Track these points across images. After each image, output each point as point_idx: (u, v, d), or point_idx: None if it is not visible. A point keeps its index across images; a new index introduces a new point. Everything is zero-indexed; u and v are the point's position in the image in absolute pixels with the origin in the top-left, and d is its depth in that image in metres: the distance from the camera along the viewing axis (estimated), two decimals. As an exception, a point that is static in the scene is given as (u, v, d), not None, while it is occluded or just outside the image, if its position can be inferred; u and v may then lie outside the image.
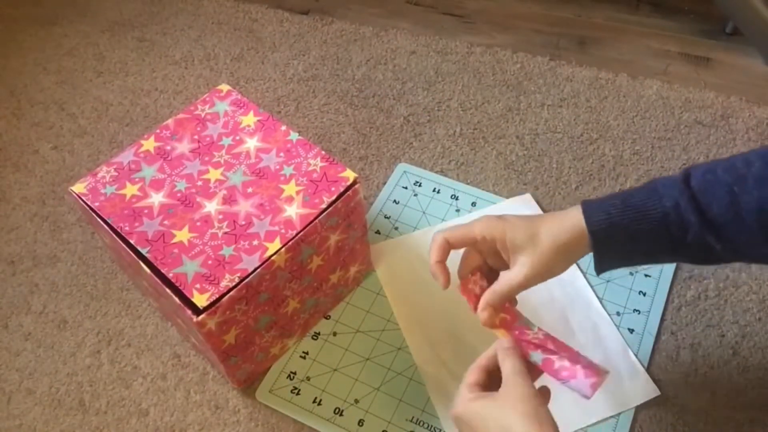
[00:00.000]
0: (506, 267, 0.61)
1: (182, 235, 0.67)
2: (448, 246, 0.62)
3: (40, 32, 1.20)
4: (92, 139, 1.04)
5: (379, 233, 0.89)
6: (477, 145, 0.99)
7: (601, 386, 0.57)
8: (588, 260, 0.85)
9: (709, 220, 0.53)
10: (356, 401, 0.76)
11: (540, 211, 0.90)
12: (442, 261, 0.63)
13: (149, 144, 0.74)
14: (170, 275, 0.64)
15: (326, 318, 0.83)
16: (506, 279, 0.60)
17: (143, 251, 0.66)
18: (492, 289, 0.61)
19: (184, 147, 0.74)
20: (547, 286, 0.82)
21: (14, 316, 0.86)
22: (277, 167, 0.71)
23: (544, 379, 0.60)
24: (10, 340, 0.84)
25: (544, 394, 0.59)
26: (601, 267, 0.59)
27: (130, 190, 0.70)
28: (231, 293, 0.63)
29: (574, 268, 0.83)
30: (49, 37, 1.19)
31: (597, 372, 0.58)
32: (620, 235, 0.56)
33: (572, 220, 0.58)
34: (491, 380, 0.58)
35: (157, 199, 0.69)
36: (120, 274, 0.89)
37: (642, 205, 0.55)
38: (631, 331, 0.79)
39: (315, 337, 0.81)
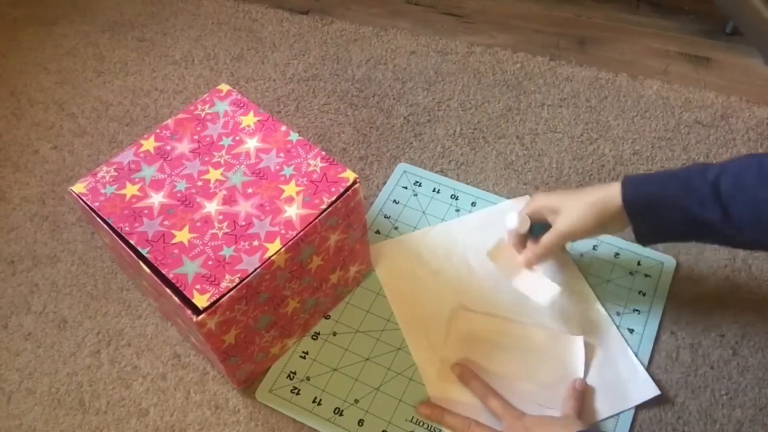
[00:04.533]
0: None
1: (182, 236, 0.67)
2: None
3: (40, 32, 1.20)
4: (92, 139, 1.04)
5: (379, 233, 0.89)
6: (477, 145, 0.99)
7: None
8: (588, 261, 0.86)
9: (731, 218, 0.59)
10: (356, 401, 0.76)
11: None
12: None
13: (149, 144, 0.74)
14: (170, 276, 0.64)
15: (326, 318, 0.83)
16: (547, 234, 0.73)
17: (143, 251, 0.66)
18: (537, 243, 0.74)
19: (184, 147, 0.74)
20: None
21: (14, 316, 0.86)
22: (277, 168, 0.71)
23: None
24: (10, 340, 0.84)
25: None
26: (638, 235, 0.67)
27: (130, 190, 0.70)
28: (231, 293, 0.63)
29: (575, 269, 0.83)
30: (49, 37, 1.19)
31: None
32: (651, 215, 0.65)
33: (608, 189, 0.67)
34: None
35: (157, 199, 0.69)
36: (120, 274, 0.89)
37: (671, 194, 0.63)
38: (631, 331, 0.79)
39: (315, 337, 0.81)
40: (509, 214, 0.73)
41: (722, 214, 0.58)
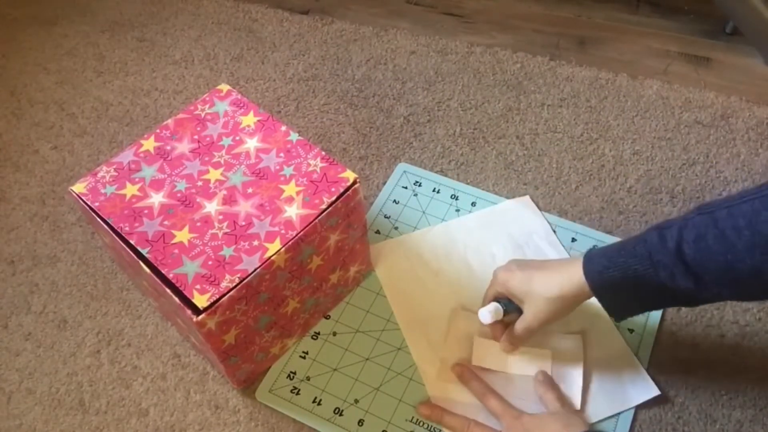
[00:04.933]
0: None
1: (182, 236, 0.67)
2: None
3: (40, 32, 1.20)
4: (92, 139, 1.04)
5: (379, 233, 0.90)
6: (477, 145, 0.99)
7: None
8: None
9: (705, 284, 0.58)
10: (356, 401, 0.76)
11: (538, 213, 0.90)
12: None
13: (149, 144, 0.74)
14: (170, 276, 0.64)
15: (326, 318, 0.83)
16: (519, 325, 0.72)
17: (143, 251, 0.66)
18: (511, 330, 0.74)
19: (184, 147, 0.74)
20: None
21: (14, 316, 0.86)
22: (277, 168, 0.71)
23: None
24: (10, 340, 0.84)
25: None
26: (611, 313, 0.67)
27: (130, 190, 0.70)
28: (231, 293, 0.63)
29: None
30: (49, 37, 1.19)
31: None
32: (621, 295, 0.64)
33: (569, 274, 0.66)
34: None
35: (157, 199, 0.69)
36: (120, 274, 0.89)
37: (639, 274, 0.61)
38: (631, 331, 0.79)
39: (315, 337, 0.81)
40: (481, 311, 0.73)
41: (694, 281, 0.58)
